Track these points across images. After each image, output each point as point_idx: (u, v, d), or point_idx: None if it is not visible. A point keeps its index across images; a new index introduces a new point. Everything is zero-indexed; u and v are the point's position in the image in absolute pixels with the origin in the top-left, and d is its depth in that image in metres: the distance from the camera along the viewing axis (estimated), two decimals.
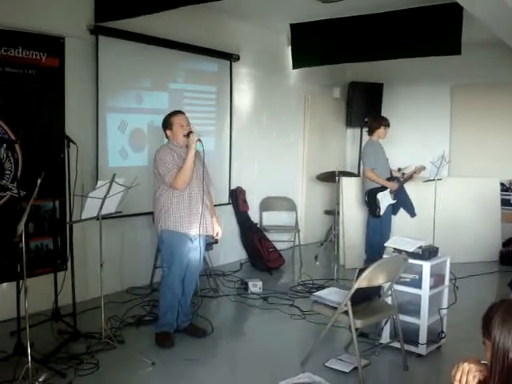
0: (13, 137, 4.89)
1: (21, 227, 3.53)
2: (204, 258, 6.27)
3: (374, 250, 6.59)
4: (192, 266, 4.67)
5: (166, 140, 4.78)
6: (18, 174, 4.91)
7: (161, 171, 4.45)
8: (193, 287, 4.83)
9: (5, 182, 4.89)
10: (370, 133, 6.87)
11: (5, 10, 4.77)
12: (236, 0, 4.61)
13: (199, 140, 4.44)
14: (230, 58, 7.26)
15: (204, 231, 4.65)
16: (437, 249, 4.49)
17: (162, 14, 5.08)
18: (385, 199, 6.63)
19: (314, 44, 7.57)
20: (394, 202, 6.72)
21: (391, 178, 6.76)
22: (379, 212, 6.63)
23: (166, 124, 4.64)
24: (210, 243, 6.41)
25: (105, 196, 4.15)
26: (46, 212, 5.17)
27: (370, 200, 6.68)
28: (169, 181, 4.43)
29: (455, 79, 8.69)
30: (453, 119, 8.93)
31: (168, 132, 4.63)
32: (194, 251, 4.65)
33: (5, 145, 4.83)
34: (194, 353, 4.43)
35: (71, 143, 4.56)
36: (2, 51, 4.76)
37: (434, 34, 6.38)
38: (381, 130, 6.78)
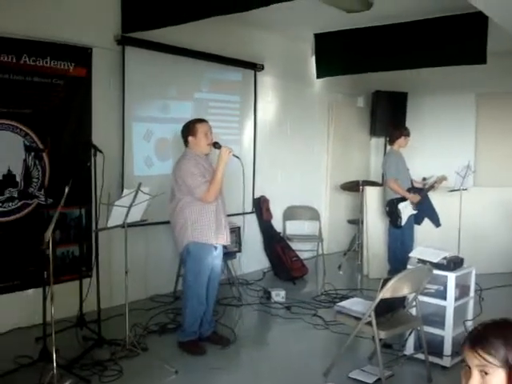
0: (40, 145, 4.97)
1: (48, 234, 3.58)
2: (227, 267, 6.34)
3: (397, 260, 6.55)
4: (214, 274, 4.69)
5: (183, 148, 4.73)
6: (45, 181, 5.00)
7: (190, 184, 4.39)
8: (215, 295, 4.82)
9: (32, 189, 4.97)
10: (391, 142, 6.86)
11: (34, 21, 4.88)
12: (260, 10, 4.62)
13: (235, 155, 4.44)
14: (255, 67, 7.29)
15: (228, 241, 4.70)
16: (462, 259, 4.45)
17: (187, 25, 5.12)
18: (406, 209, 6.60)
19: (337, 53, 7.60)
20: (416, 212, 6.68)
21: (412, 189, 6.72)
22: (400, 222, 6.60)
23: (190, 130, 4.58)
24: (234, 252, 6.44)
25: (130, 204, 4.19)
26: (72, 219, 5.24)
27: (390, 210, 6.65)
28: (200, 194, 4.39)
29: (480, 88, 8.60)
30: (478, 128, 8.85)
31: (190, 138, 4.56)
32: (217, 259, 4.68)
33: (33, 153, 4.92)
34: (217, 361, 4.44)
35: (98, 152, 4.61)
36: (31, 61, 4.86)
37: (458, 43, 6.35)
38: (401, 140, 6.76)
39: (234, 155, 4.44)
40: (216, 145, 4.54)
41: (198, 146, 4.56)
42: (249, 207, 7.39)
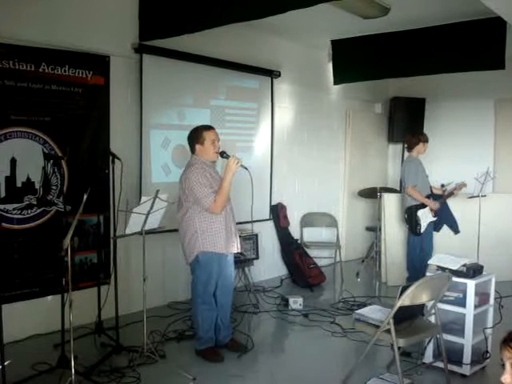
0: (59, 153, 5.01)
1: (67, 242, 3.60)
2: (245, 274, 6.33)
3: (415, 267, 6.50)
4: (227, 282, 4.68)
5: (189, 155, 4.70)
6: (64, 189, 5.03)
7: (198, 194, 4.34)
8: (229, 299, 4.78)
9: (51, 196, 5.01)
10: (409, 149, 6.81)
11: (52, 29, 4.93)
12: (277, 17, 4.63)
13: (243, 166, 4.37)
14: (271, 74, 7.31)
15: (239, 248, 4.71)
16: (481, 267, 4.40)
17: (204, 32, 5.14)
18: (425, 216, 6.54)
19: (355, 60, 7.57)
20: (435, 219, 6.62)
21: (431, 195, 6.67)
22: (419, 229, 6.54)
23: (197, 138, 4.52)
24: (251, 259, 6.44)
25: (148, 211, 4.20)
26: (90, 227, 5.27)
27: (409, 217, 6.60)
28: (207, 205, 4.34)
29: (499, 93, 8.54)
30: (497, 134, 8.76)
31: (197, 146, 4.51)
32: (229, 267, 4.67)
33: (52, 160, 4.96)
34: (234, 368, 4.43)
35: (116, 159, 4.64)
36: (50, 70, 4.91)
37: (477, 48, 6.30)
38: (420, 146, 6.70)
39: (242, 166, 4.37)
40: (224, 154, 4.48)
41: (206, 154, 4.51)
42: (266, 214, 7.39)
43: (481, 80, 8.06)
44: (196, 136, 4.55)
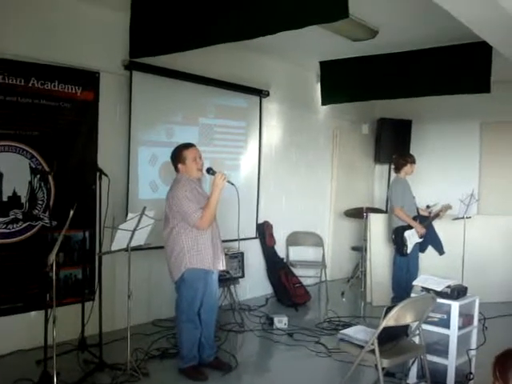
0: (46, 167, 4.99)
1: (52, 257, 3.59)
2: (230, 292, 6.31)
3: (401, 288, 6.52)
4: (212, 299, 4.67)
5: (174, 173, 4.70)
6: (50, 204, 5.00)
7: (186, 210, 4.34)
8: (214, 317, 4.76)
9: (37, 211, 4.99)
10: (397, 170, 6.86)
11: (42, 45, 4.95)
12: (266, 37, 4.67)
13: (229, 182, 4.39)
14: (260, 93, 7.36)
15: (224, 265, 4.72)
16: (466, 288, 4.43)
17: (194, 51, 5.17)
18: (412, 237, 6.58)
19: (343, 81, 7.66)
20: (421, 240, 6.66)
21: (418, 217, 6.71)
22: (406, 250, 6.57)
23: (179, 157, 4.54)
24: (237, 277, 6.43)
25: (135, 228, 4.19)
26: (76, 242, 5.25)
27: (396, 238, 6.63)
28: (194, 221, 4.34)
29: (485, 116, 8.65)
30: (482, 156, 8.87)
31: (180, 165, 4.53)
32: (214, 284, 4.67)
33: (38, 175, 4.94)
34: None
35: (103, 175, 4.63)
36: (39, 84, 4.92)
37: (463, 72, 6.40)
38: (407, 168, 6.76)
39: (228, 181, 4.39)
40: (210, 171, 4.50)
41: (189, 172, 4.53)
42: (252, 232, 7.39)
43: (467, 103, 8.18)
44: (177, 155, 4.58)
